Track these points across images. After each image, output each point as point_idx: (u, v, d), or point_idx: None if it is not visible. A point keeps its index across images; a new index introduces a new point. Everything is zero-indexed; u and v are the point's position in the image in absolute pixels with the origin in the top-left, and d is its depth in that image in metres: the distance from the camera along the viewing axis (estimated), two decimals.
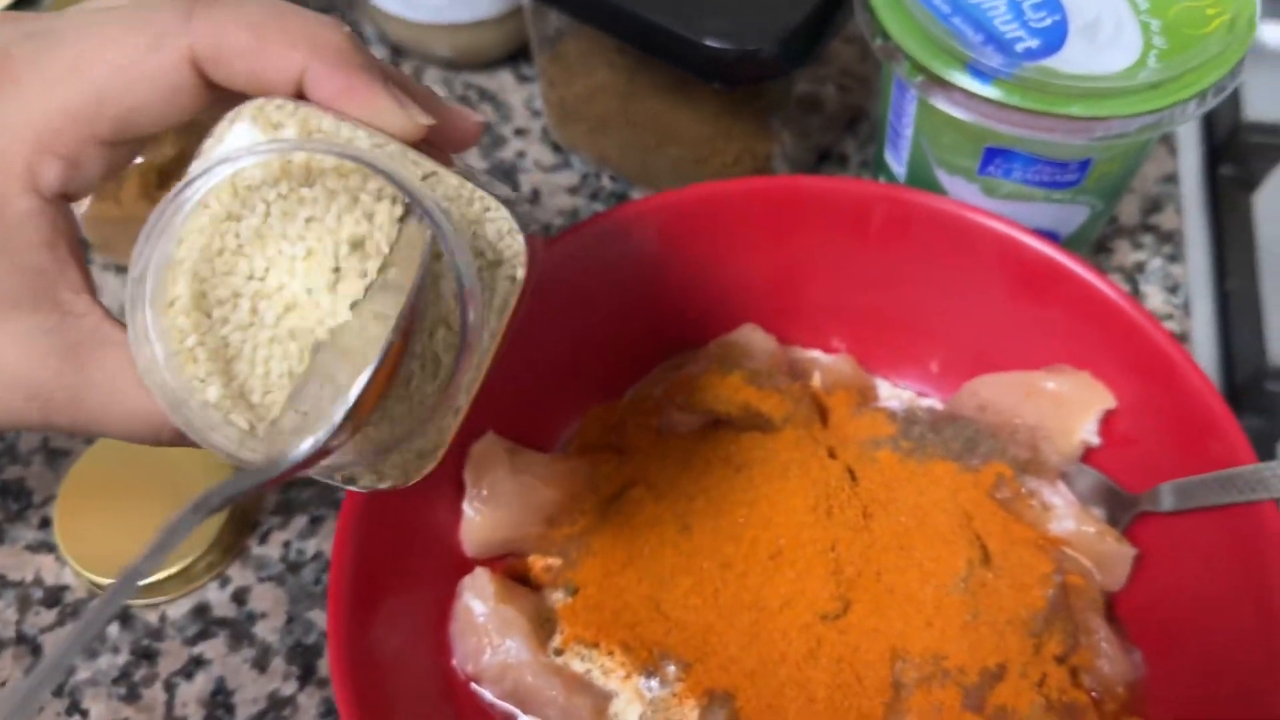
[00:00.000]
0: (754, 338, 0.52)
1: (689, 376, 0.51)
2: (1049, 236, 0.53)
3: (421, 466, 0.34)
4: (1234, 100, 0.82)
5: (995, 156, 0.48)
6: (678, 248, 0.53)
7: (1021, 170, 0.48)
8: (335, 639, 0.41)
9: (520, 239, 0.33)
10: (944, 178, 0.51)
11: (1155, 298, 0.61)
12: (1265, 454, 0.68)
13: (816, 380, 0.54)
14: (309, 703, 0.51)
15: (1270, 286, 0.76)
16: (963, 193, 0.51)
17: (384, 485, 0.34)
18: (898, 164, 0.54)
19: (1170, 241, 0.63)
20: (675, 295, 0.54)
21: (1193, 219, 0.77)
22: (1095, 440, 0.49)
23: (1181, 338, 0.60)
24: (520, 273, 0.33)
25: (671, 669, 0.46)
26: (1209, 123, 0.83)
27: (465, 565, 0.49)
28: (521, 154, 0.68)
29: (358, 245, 0.31)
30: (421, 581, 0.48)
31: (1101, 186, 0.50)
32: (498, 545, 0.49)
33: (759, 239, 0.53)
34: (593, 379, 0.54)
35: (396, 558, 0.46)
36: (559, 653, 0.47)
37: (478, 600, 0.46)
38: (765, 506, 0.46)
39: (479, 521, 0.48)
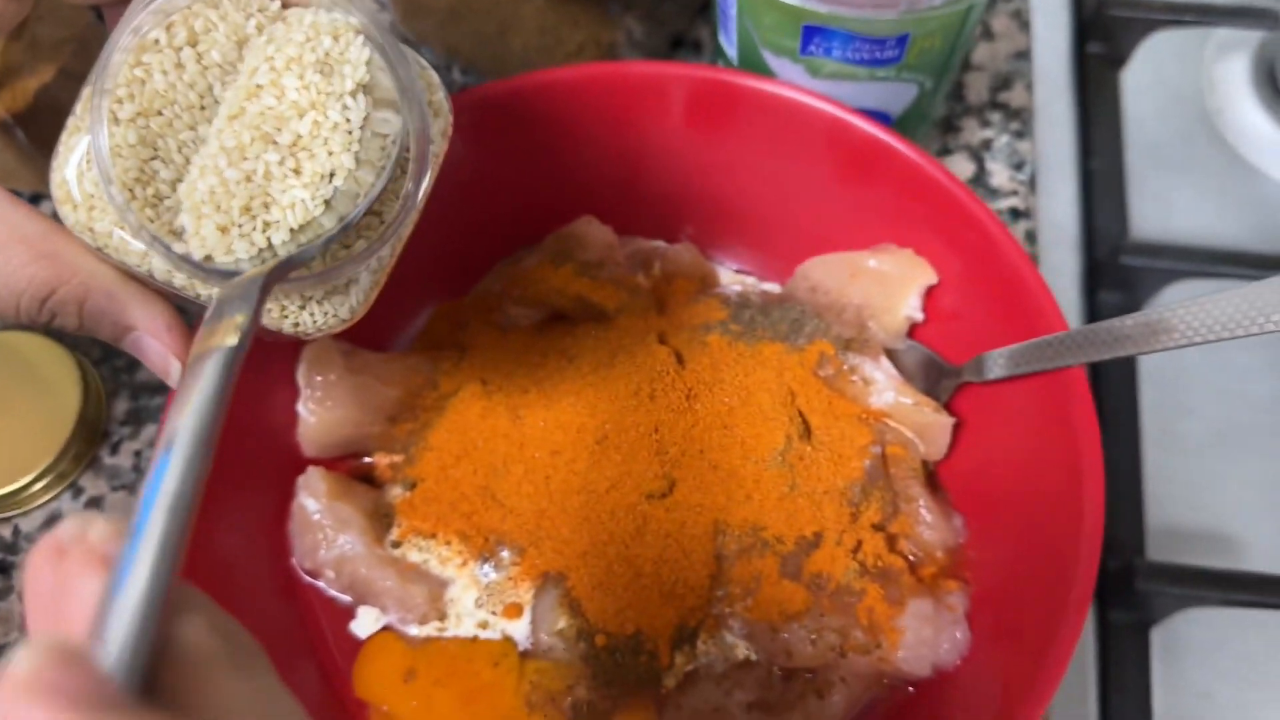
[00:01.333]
0: (589, 230, 0.52)
1: (524, 271, 0.51)
2: (879, 117, 0.53)
3: (340, 318, 0.36)
4: None
5: (814, 35, 0.48)
6: (513, 139, 0.52)
7: (841, 48, 0.48)
8: None
9: (446, 95, 0.35)
10: (771, 59, 0.51)
11: (1000, 175, 0.62)
12: None
13: (657, 269, 0.54)
14: None
15: (1134, 163, 0.77)
16: (789, 74, 0.51)
17: (312, 328, 0.35)
18: (729, 46, 0.53)
19: (1018, 119, 0.63)
20: (515, 189, 0.54)
21: (1058, 97, 0.78)
22: (919, 316, 0.50)
23: (1025, 214, 0.61)
24: (449, 127, 0.35)
25: (506, 554, 0.47)
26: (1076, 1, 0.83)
27: (306, 466, 0.49)
28: None
29: (327, 70, 0.31)
30: (260, 482, 0.48)
31: (925, 63, 0.50)
32: (338, 445, 0.50)
33: (594, 129, 0.52)
34: (434, 278, 0.54)
35: (231, 459, 0.46)
36: (396, 545, 0.48)
37: (311, 498, 0.47)
38: (592, 394, 0.47)
39: (314, 423, 0.49)
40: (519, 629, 0.46)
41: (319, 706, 0.45)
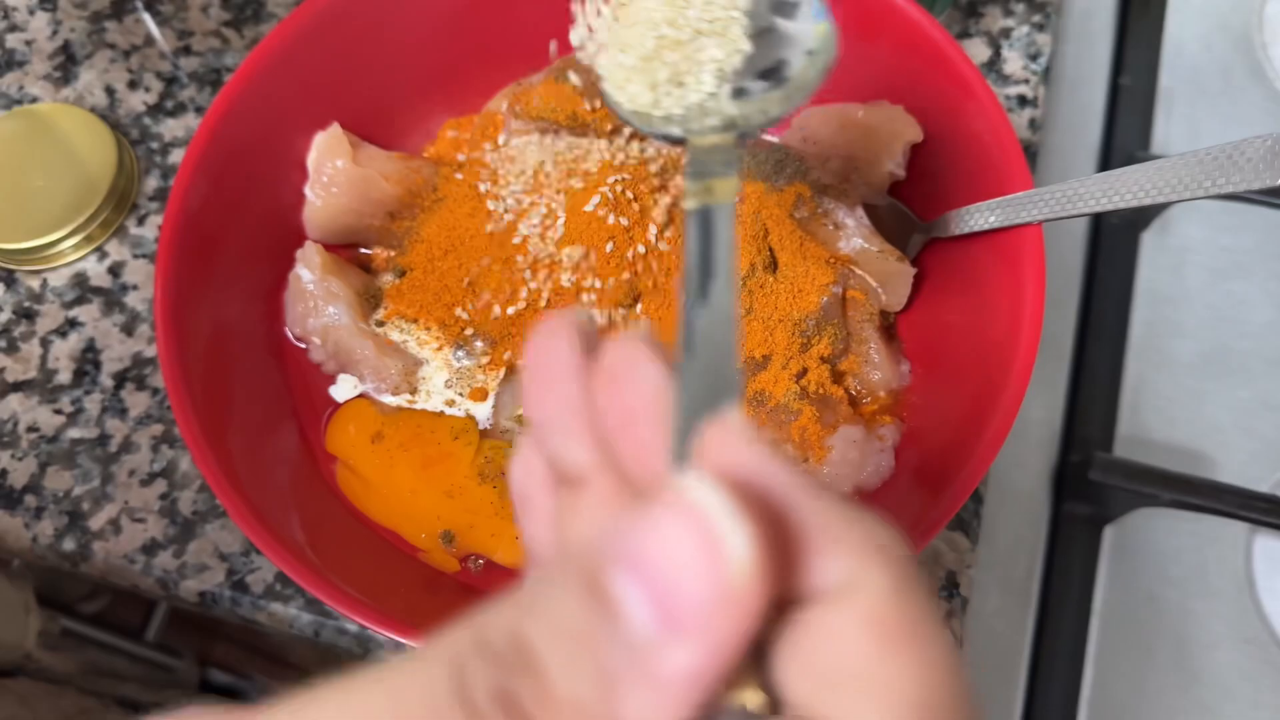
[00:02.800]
0: None
1: (528, 87, 0.53)
2: None
3: None
4: None
5: None
6: None
7: None
8: (163, 295, 0.45)
9: None
10: None
11: (1014, 63, 0.62)
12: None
13: None
14: None
15: (1167, 86, 0.77)
16: None
17: None
18: None
19: (1041, 11, 0.64)
20: (531, 14, 0.56)
21: (1100, 6, 0.78)
22: (901, 173, 0.52)
23: (1032, 102, 0.62)
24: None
25: (479, 344, 0.50)
26: None
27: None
28: None
29: None
30: (262, 255, 0.52)
31: None
32: (339, 232, 0.53)
33: None
34: (449, 91, 0.57)
35: (238, 229, 0.50)
36: (380, 324, 0.51)
37: (306, 269, 0.50)
38: (573, 204, 0.50)
39: (319, 206, 0.52)
40: (482, 410, 0.50)
41: (294, 456, 0.49)
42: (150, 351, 0.56)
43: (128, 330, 0.57)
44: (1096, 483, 0.62)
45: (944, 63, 0.50)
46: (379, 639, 0.51)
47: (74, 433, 0.55)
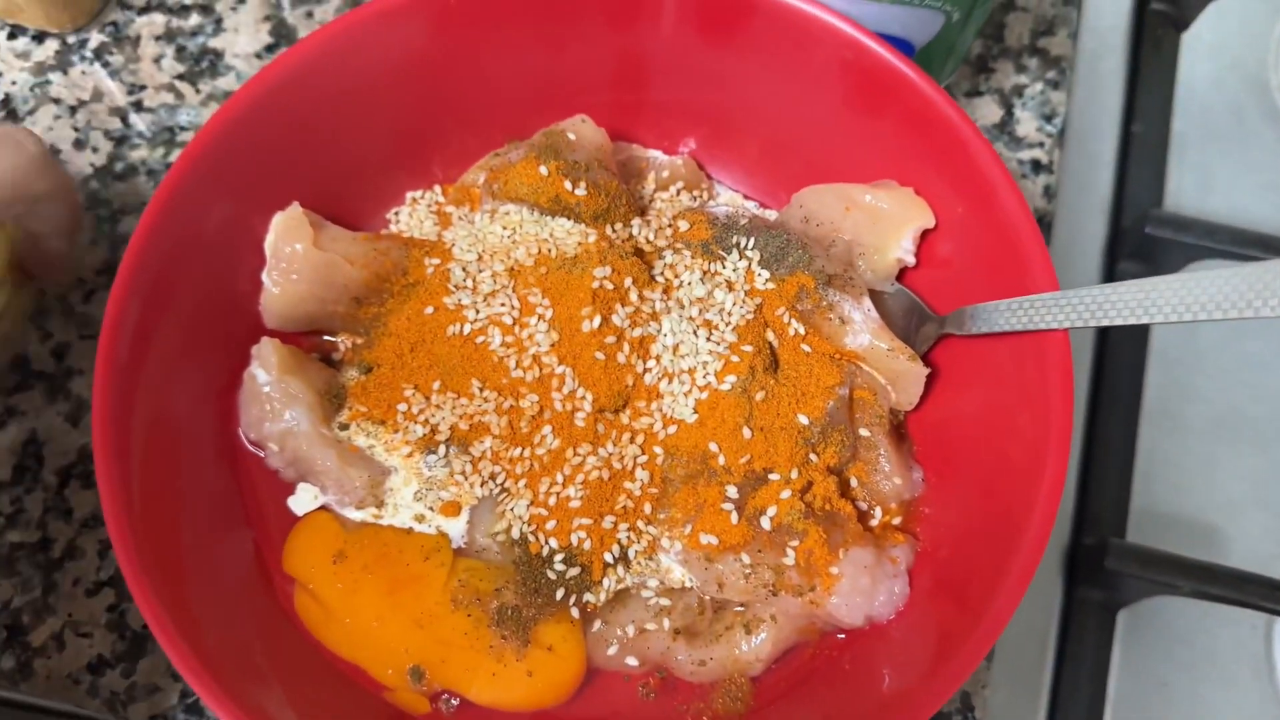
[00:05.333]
0: (581, 129, 0.50)
1: (507, 164, 0.49)
2: (901, 46, 0.50)
3: None
4: None
5: None
6: (510, 28, 0.50)
7: None
8: (103, 386, 0.41)
9: None
10: None
11: (1028, 124, 0.59)
12: None
13: (650, 181, 0.52)
14: None
15: (1180, 131, 0.74)
16: None
17: None
18: None
19: (1056, 67, 0.60)
20: (509, 81, 0.52)
21: (1109, 54, 0.74)
22: (911, 260, 0.48)
23: (1047, 167, 0.58)
24: None
25: (451, 451, 0.46)
26: None
27: (264, 337, 0.48)
28: None
29: None
30: (215, 348, 0.47)
31: None
32: (300, 320, 0.49)
33: (597, 25, 0.50)
34: (418, 164, 0.53)
35: (187, 321, 0.46)
36: (344, 427, 0.47)
37: (262, 369, 0.46)
38: (555, 298, 0.45)
39: (278, 294, 0.48)
40: (455, 527, 0.46)
41: (247, 577, 0.45)
42: None
43: (73, 420, 0.52)
44: (1111, 570, 0.59)
45: (958, 143, 0.46)
46: None
47: (14, 536, 0.50)
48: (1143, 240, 0.67)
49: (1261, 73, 0.77)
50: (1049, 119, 0.59)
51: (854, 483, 0.45)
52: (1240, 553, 0.63)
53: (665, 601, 0.44)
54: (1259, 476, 0.66)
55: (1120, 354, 0.68)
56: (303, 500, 0.46)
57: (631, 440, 0.45)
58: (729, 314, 0.46)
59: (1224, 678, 0.62)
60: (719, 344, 0.45)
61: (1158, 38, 0.75)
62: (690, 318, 0.46)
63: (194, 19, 0.61)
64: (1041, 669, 0.61)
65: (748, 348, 0.45)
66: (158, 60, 0.60)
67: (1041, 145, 0.58)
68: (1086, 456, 0.66)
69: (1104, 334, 0.68)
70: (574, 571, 0.44)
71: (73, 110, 0.59)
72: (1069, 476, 0.64)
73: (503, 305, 0.46)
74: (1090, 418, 0.67)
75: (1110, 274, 0.69)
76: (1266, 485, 0.66)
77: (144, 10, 0.62)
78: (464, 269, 0.48)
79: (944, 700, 0.37)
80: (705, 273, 0.47)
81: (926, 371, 0.46)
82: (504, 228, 0.49)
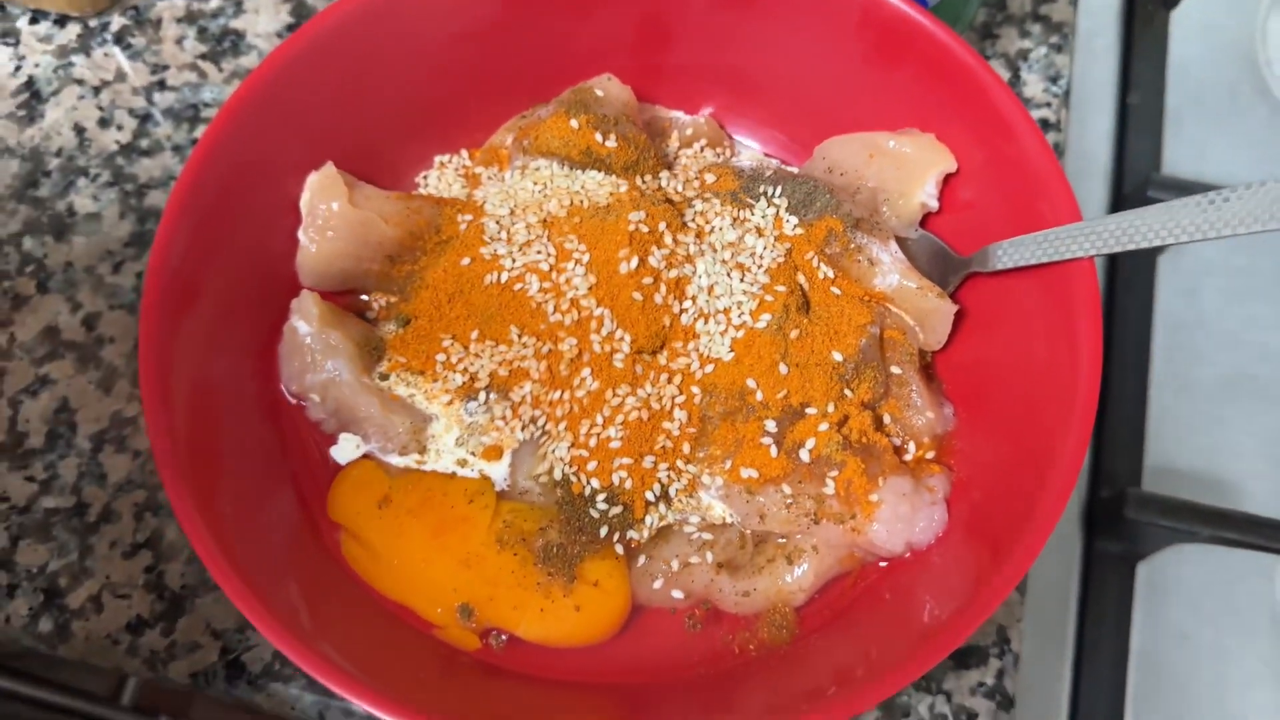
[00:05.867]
0: (609, 86, 0.51)
1: (536, 121, 0.50)
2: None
3: None
4: None
5: None
6: None
7: None
8: (147, 349, 0.41)
9: None
10: None
11: (1035, 85, 0.60)
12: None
13: (675, 139, 0.53)
14: None
15: (1174, 105, 0.76)
16: None
17: None
18: None
19: (1058, 32, 0.62)
20: (536, 45, 0.53)
21: (1103, 30, 0.76)
22: (934, 204, 0.49)
23: (1055, 125, 0.60)
24: None
25: (492, 397, 0.47)
26: None
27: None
28: None
29: None
30: (251, 303, 0.48)
31: None
32: (335, 278, 0.49)
33: None
34: (449, 127, 0.54)
35: (223, 277, 0.46)
36: (384, 377, 0.48)
37: (303, 321, 0.47)
38: (590, 244, 0.46)
39: (314, 251, 0.48)
40: (497, 470, 0.46)
41: (292, 525, 0.45)
42: (131, 410, 0.52)
43: (105, 387, 0.52)
44: (1130, 520, 0.60)
45: (977, 87, 0.47)
46: None
47: (48, 502, 0.50)
48: (1145, 203, 0.69)
49: (1249, 49, 0.79)
50: (1054, 80, 0.60)
51: (887, 419, 0.46)
52: (1252, 506, 0.64)
53: (707, 536, 0.45)
54: (1268, 433, 0.67)
55: (1127, 320, 0.69)
56: (345, 450, 0.47)
57: (669, 381, 0.45)
58: (760, 257, 0.47)
59: (1242, 627, 0.63)
60: (753, 285, 0.46)
61: (1149, 14, 0.77)
62: (723, 261, 0.47)
63: (214, 1, 0.62)
64: (1065, 624, 0.62)
65: (781, 288, 0.46)
66: (179, 41, 0.61)
67: (1049, 105, 0.60)
68: (1100, 420, 0.67)
69: (1110, 300, 0.70)
70: (616, 510, 0.44)
71: (96, 90, 0.60)
72: None
73: (539, 253, 0.47)
74: (1102, 383, 0.68)
75: None
76: (1276, 441, 0.67)
77: None
78: (497, 222, 0.48)
79: (979, 623, 0.38)
80: (735, 219, 0.48)
81: (955, 308, 0.47)
82: (535, 183, 0.49)
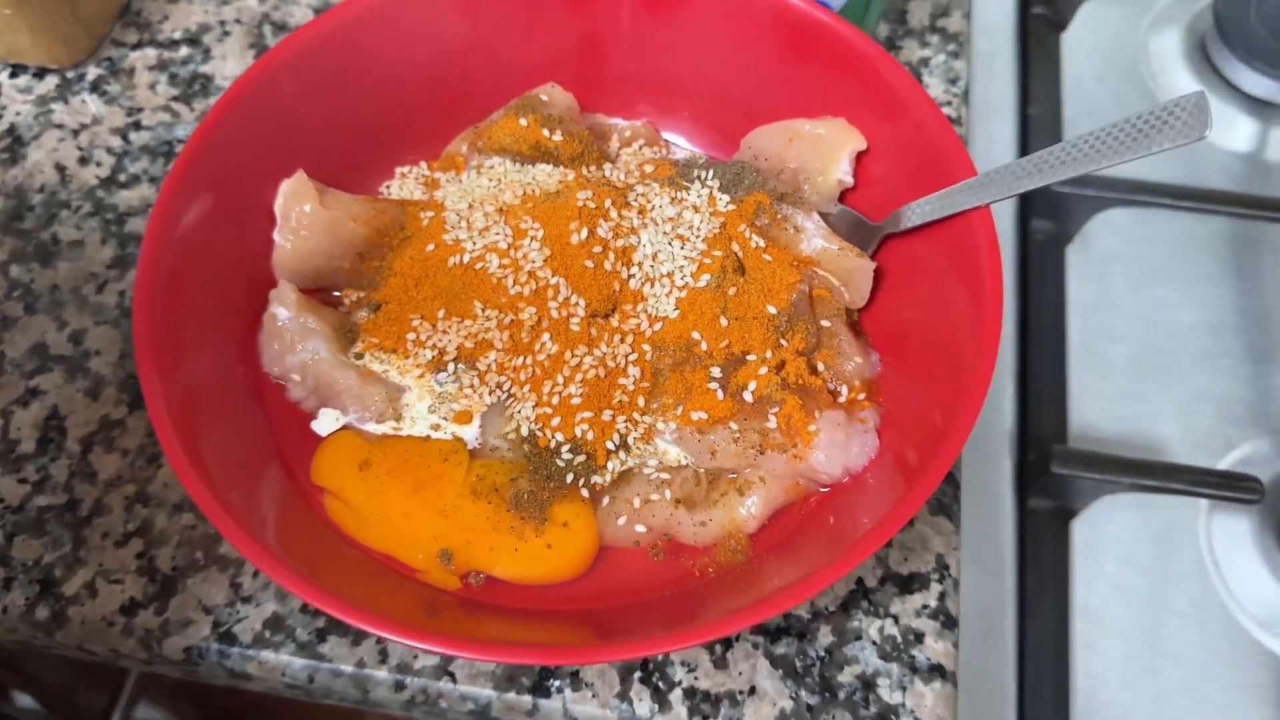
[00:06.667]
0: (553, 92, 0.57)
1: (489, 123, 0.55)
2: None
3: None
4: None
5: None
6: (486, 16, 0.57)
7: None
8: (143, 348, 0.45)
9: None
10: None
11: (936, 87, 0.67)
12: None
13: (615, 140, 0.59)
14: (138, 425, 0.55)
15: (1070, 116, 0.83)
16: None
17: None
18: None
19: (954, 41, 0.68)
20: (487, 64, 0.58)
21: (1001, 50, 0.84)
22: (849, 180, 0.55)
23: (957, 121, 0.66)
24: None
25: (460, 367, 0.51)
26: None
27: None
28: None
29: None
30: (233, 300, 0.52)
31: None
32: (309, 275, 0.54)
33: (561, 9, 0.57)
34: (408, 140, 0.59)
35: (207, 278, 0.50)
36: (359, 357, 0.52)
37: (282, 307, 0.51)
38: (543, 220, 0.51)
39: (289, 249, 0.53)
40: (468, 432, 0.50)
41: (282, 494, 0.48)
42: (119, 413, 0.55)
43: (93, 394, 0.56)
44: (1058, 475, 0.65)
45: (877, 73, 0.53)
46: (377, 677, 0.49)
47: (41, 500, 0.53)
48: (1050, 196, 0.76)
49: (1134, 65, 0.87)
50: (953, 83, 0.67)
51: (821, 367, 0.51)
52: (1171, 458, 0.70)
53: (665, 476, 0.49)
54: (1181, 401, 0.73)
55: (1041, 306, 0.75)
56: (325, 423, 0.51)
57: (623, 340, 0.50)
58: (698, 229, 0.52)
59: (1175, 575, 0.67)
60: (692, 251, 0.51)
61: (1041, 36, 0.85)
62: (665, 233, 0.52)
63: (184, 50, 0.68)
64: (1003, 582, 0.66)
65: (718, 253, 0.51)
66: (152, 86, 0.66)
67: (950, 104, 0.66)
68: (1022, 396, 0.72)
69: (1024, 289, 0.76)
70: (580, 459, 0.48)
71: (75, 133, 0.64)
72: (1008, 404, 0.70)
73: (497, 235, 0.51)
74: (1021, 363, 0.73)
75: (1024, 231, 0.77)
76: (1189, 408, 0.73)
77: (137, 46, 0.68)
78: (458, 214, 0.53)
79: (901, 525, 0.41)
80: (673, 199, 0.53)
81: (874, 265, 0.52)
82: (490, 179, 0.55)
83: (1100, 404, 0.73)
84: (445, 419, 0.50)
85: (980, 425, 0.70)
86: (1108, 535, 0.67)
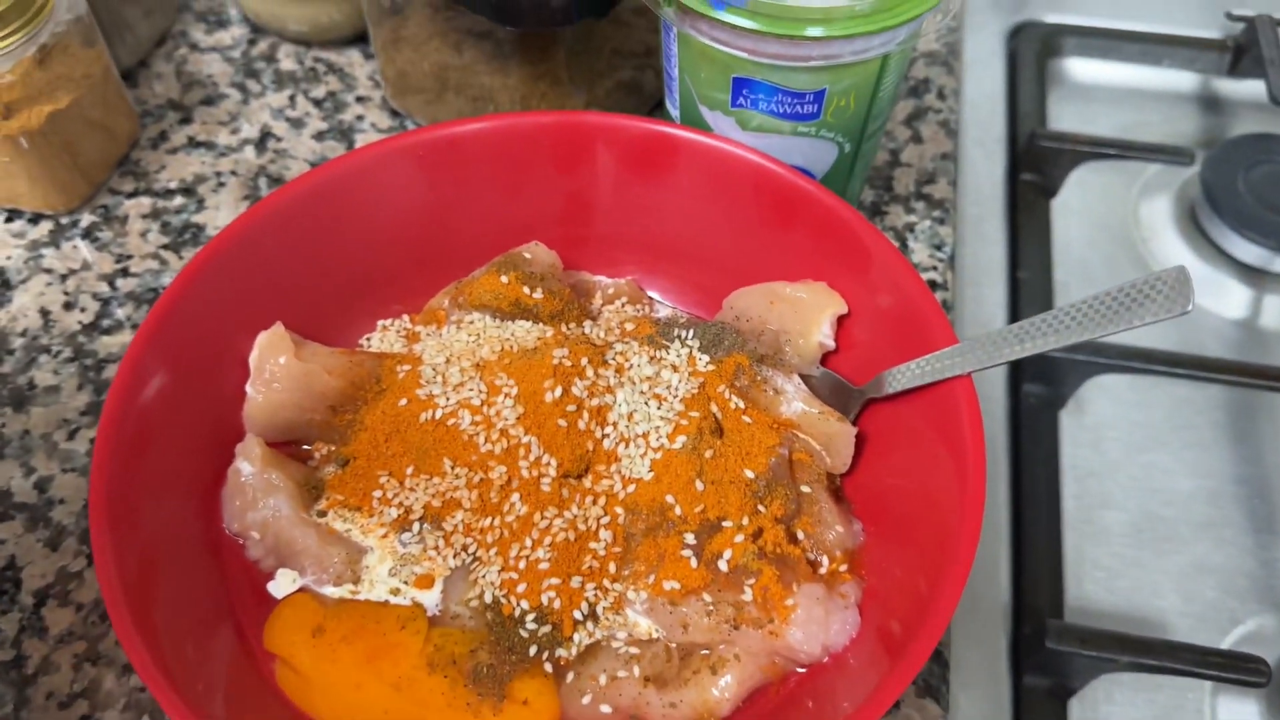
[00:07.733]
0: (536, 250, 0.57)
1: (471, 279, 0.55)
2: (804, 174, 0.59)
3: None
4: (1038, 113, 0.91)
5: (743, 87, 0.54)
6: (472, 178, 0.58)
7: (766, 101, 0.54)
8: (96, 508, 0.44)
9: None
10: (707, 114, 0.57)
11: (921, 252, 0.67)
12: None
13: (598, 298, 0.59)
14: (95, 578, 0.53)
15: (1061, 279, 0.83)
16: (722, 127, 0.57)
17: None
18: (673, 107, 0.60)
19: (940, 208, 0.69)
20: (472, 223, 0.59)
21: (993, 215, 0.85)
22: (831, 343, 0.54)
23: (942, 285, 0.66)
24: None
25: (425, 528, 0.49)
26: (1012, 133, 0.91)
27: None
28: (360, 117, 0.74)
29: None
30: (199, 451, 0.51)
31: (842, 123, 0.56)
32: (280, 428, 0.53)
33: (548, 173, 0.58)
34: (389, 294, 0.59)
35: (173, 427, 0.49)
36: (321, 514, 0.50)
37: (246, 462, 0.49)
38: (517, 379, 0.50)
39: (260, 402, 0.52)
40: (429, 598, 0.48)
41: (231, 657, 0.46)
42: (77, 565, 0.53)
43: (52, 545, 0.54)
44: (1053, 651, 0.62)
45: (857, 239, 0.53)
46: None
47: None
48: (1042, 360, 0.75)
49: (1125, 230, 0.88)
50: (939, 248, 0.67)
51: (801, 535, 0.49)
52: (1170, 634, 0.67)
53: (634, 650, 0.46)
54: (1181, 572, 0.70)
55: (1035, 470, 0.74)
56: (282, 584, 0.49)
57: (594, 502, 0.48)
58: (675, 389, 0.51)
59: None
60: (669, 412, 0.50)
61: (1030, 202, 0.86)
62: (641, 392, 0.51)
63: (178, 200, 0.69)
64: None
65: (695, 414, 0.50)
66: (144, 234, 0.67)
67: (935, 269, 0.66)
68: (1017, 564, 0.70)
69: (1017, 454, 0.74)
70: (545, 629, 0.46)
71: (63, 278, 0.65)
72: (1003, 575, 0.68)
73: (471, 391, 0.51)
74: (1015, 529, 0.71)
75: (1015, 395, 0.76)
76: (1189, 579, 0.70)
77: (132, 194, 0.69)
78: (434, 369, 0.53)
79: (882, 712, 0.39)
80: (652, 357, 0.52)
81: (855, 430, 0.51)
82: (469, 335, 0.54)
83: (1098, 574, 0.71)
84: (406, 583, 0.48)
85: (973, 598, 0.68)
86: (1107, 716, 0.64)
